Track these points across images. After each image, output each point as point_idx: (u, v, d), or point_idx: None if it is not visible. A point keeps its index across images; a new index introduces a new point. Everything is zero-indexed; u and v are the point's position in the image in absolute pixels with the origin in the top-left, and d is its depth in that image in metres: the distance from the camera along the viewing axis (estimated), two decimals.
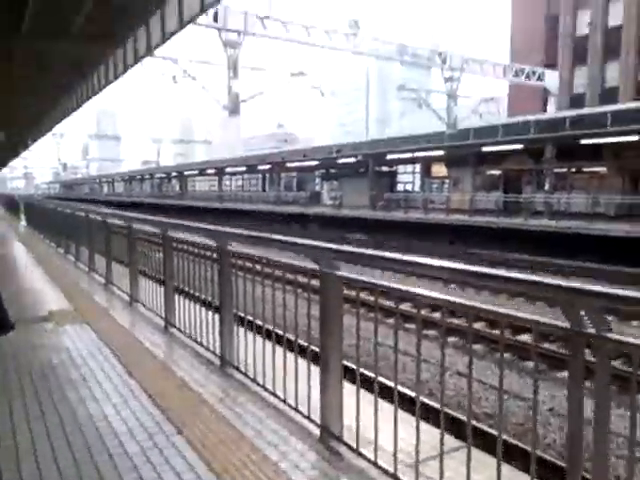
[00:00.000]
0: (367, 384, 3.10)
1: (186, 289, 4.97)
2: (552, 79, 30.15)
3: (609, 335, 1.79)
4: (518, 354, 8.42)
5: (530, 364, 7.91)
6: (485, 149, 25.26)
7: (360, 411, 2.73)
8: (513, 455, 4.71)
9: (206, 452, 2.88)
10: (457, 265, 2.45)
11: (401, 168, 37.19)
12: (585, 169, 25.28)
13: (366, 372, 4.56)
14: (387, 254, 2.70)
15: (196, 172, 57.74)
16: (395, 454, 2.53)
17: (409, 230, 24.29)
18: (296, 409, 3.27)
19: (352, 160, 33.70)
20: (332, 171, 39.96)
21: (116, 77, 12.84)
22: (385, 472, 2.60)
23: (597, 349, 1.82)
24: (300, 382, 3.19)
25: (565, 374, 6.58)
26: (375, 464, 2.65)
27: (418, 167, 34.11)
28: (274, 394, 3.51)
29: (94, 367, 4.36)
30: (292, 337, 3.41)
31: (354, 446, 2.80)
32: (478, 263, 17.56)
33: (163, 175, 66.95)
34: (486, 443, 3.84)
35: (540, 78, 29.29)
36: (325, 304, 2.99)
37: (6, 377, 4.21)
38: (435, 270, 2.45)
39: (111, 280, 7.83)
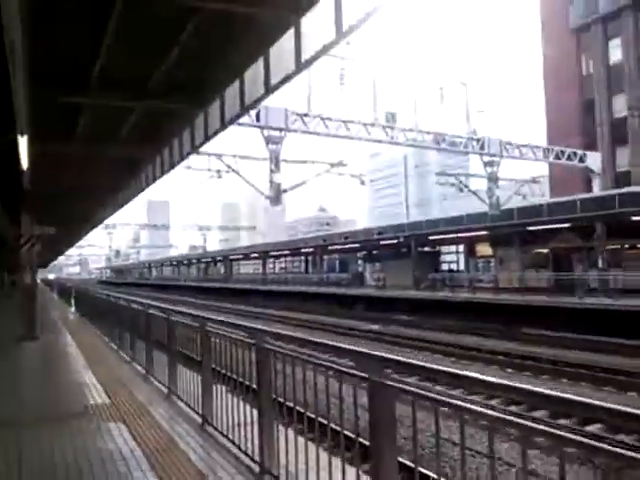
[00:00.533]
0: None
1: (226, 376, 4.62)
2: (593, 159, 29.85)
3: None
4: None
5: None
6: (531, 228, 24.66)
7: None
8: None
9: None
10: (517, 384, 2.05)
11: (444, 248, 36.70)
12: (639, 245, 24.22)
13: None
14: (442, 368, 2.32)
15: (240, 256, 58.72)
16: None
17: (456, 310, 23.43)
18: None
19: (395, 241, 33.50)
20: (374, 252, 39.80)
21: (163, 173, 13.29)
22: None
23: None
24: None
25: None
26: None
27: (461, 247, 33.54)
28: None
29: (124, 472, 3.98)
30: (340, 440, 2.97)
31: None
32: (534, 344, 16.53)
33: (209, 259, 68.31)
34: None
35: (582, 160, 29.04)
36: (375, 414, 2.58)
37: (29, 476, 3.95)
38: (497, 389, 2.05)
39: (151, 371, 7.58)
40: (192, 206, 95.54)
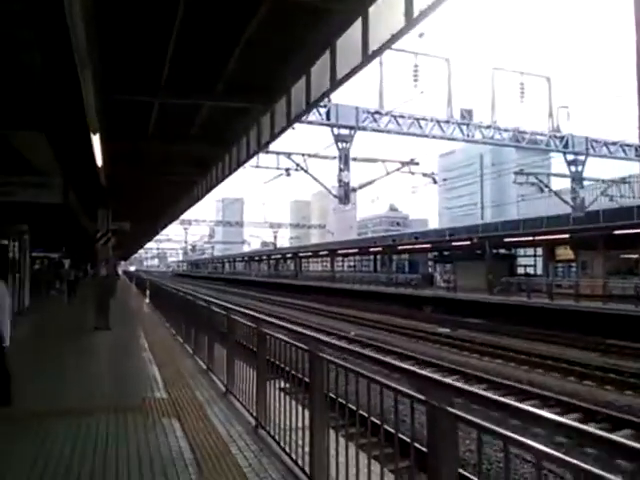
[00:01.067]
0: None
1: (279, 367, 4.47)
2: None
3: None
4: None
5: None
6: (619, 232, 22.96)
7: None
8: None
9: None
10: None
11: (521, 251, 35.08)
12: None
13: None
14: (512, 403, 1.98)
15: (309, 253, 59.12)
16: None
17: (532, 316, 22.23)
18: None
19: (468, 242, 32.38)
20: (445, 253, 38.71)
21: (231, 172, 13.44)
22: None
23: None
24: None
25: None
26: None
27: (540, 250, 31.89)
28: None
29: (171, 473, 3.88)
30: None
31: None
32: (617, 356, 15.34)
33: (279, 256, 69.26)
34: None
35: None
36: (435, 438, 2.27)
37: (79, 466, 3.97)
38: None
39: (211, 367, 7.58)
40: (264, 204, 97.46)
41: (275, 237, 72.80)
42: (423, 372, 2.43)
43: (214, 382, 7.04)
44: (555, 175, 31.65)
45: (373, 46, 6.05)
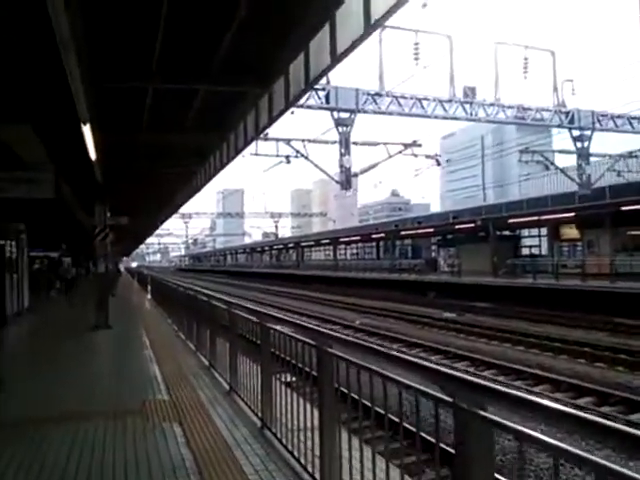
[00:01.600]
0: None
1: (285, 360, 4.26)
2: None
3: None
4: None
5: None
6: (626, 208, 22.57)
7: None
8: None
9: None
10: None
11: (525, 232, 34.73)
12: None
13: None
14: (552, 405, 1.69)
15: (311, 243, 58.86)
16: None
17: (537, 297, 21.96)
18: None
19: (471, 225, 32.04)
20: (449, 237, 38.39)
21: (229, 160, 13.14)
22: None
23: None
24: None
25: None
26: None
27: (544, 230, 31.53)
28: None
29: None
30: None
31: None
32: (627, 335, 15.07)
33: (280, 246, 69.03)
34: None
35: None
36: (467, 446, 1.98)
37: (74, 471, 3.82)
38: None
39: (213, 364, 7.35)
40: (264, 193, 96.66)
41: (276, 227, 72.56)
42: (450, 371, 2.13)
43: (217, 380, 6.77)
44: (560, 152, 31.14)
45: (376, 14, 5.70)
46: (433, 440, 2.41)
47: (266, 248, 75.21)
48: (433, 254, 42.17)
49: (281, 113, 9.30)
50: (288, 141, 30.50)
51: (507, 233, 33.64)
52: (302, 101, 22.70)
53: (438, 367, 2.22)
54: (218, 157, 14.25)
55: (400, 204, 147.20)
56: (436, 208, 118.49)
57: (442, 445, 2.43)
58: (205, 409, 5.46)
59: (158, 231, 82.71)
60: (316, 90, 23.26)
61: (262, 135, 30.59)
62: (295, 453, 3.86)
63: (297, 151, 31.48)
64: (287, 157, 32.03)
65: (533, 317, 19.26)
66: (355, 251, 56.21)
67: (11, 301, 14.32)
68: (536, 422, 3.95)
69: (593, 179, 24.53)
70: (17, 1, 5.34)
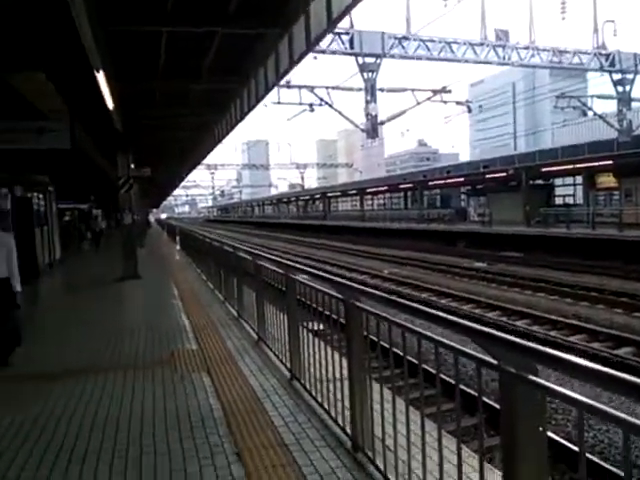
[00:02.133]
0: None
1: (311, 308, 4.13)
2: None
3: None
4: None
5: None
6: None
7: None
8: None
9: None
10: None
11: (558, 181, 33.63)
12: None
13: None
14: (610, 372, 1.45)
15: (338, 193, 58.43)
16: None
17: (572, 247, 21.38)
18: None
19: (503, 174, 31.14)
20: (479, 187, 37.50)
21: (250, 108, 12.76)
22: None
23: None
24: None
25: None
26: None
27: (579, 179, 30.45)
28: None
29: (199, 432, 3.57)
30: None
31: None
32: None
33: (307, 197, 68.79)
34: None
35: None
36: (513, 414, 1.77)
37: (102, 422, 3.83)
38: None
39: (241, 314, 7.31)
40: (290, 144, 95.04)
41: (302, 178, 72.06)
42: (494, 332, 1.89)
43: (245, 330, 6.72)
44: (600, 97, 29.58)
45: None
46: (473, 392, 2.21)
47: (293, 199, 75.00)
48: (462, 204, 41.46)
49: (302, 56, 8.86)
50: (312, 88, 29.67)
51: (540, 182, 32.63)
52: (325, 46, 21.84)
53: (481, 327, 1.98)
54: (239, 106, 13.86)
55: (428, 154, 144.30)
56: (465, 158, 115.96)
57: (485, 399, 2.23)
58: (234, 359, 5.40)
59: (184, 183, 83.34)
60: (339, 34, 22.37)
61: (284, 82, 29.80)
62: (325, 405, 3.75)
63: (321, 99, 30.60)
64: (311, 105, 31.19)
65: (567, 267, 18.80)
66: (382, 202, 55.65)
67: (42, 253, 14.52)
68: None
69: (635, 125, 23.25)
70: None
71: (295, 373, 4.52)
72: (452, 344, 2.15)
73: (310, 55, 8.91)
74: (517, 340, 1.78)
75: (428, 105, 30.96)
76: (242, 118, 13.99)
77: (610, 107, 29.41)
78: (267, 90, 11.11)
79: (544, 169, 28.91)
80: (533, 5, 23.51)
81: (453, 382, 2.33)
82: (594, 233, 22.03)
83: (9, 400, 4.46)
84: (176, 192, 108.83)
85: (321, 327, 4.10)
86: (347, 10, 6.91)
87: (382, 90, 32.57)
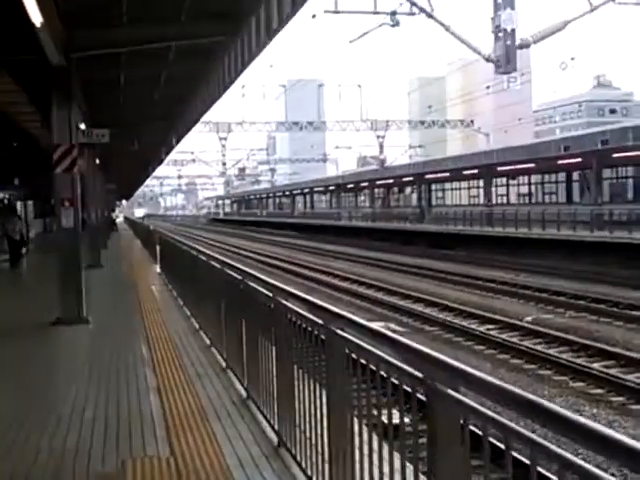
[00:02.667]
0: None
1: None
2: None
3: None
4: None
5: None
6: None
7: None
8: None
9: None
10: None
11: None
12: None
13: None
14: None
15: (445, 175, 58.77)
16: None
17: None
18: None
19: None
20: None
21: (283, 21, 13.78)
22: None
23: None
24: None
25: None
26: None
27: None
28: None
29: None
30: None
31: None
32: None
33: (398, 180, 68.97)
34: None
35: None
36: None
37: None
38: None
39: (230, 364, 8.64)
40: (360, 86, 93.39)
41: (381, 146, 72.70)
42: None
43: (234, 384, 7.88)
44: None
45: None
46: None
47: (363, 185, 75.52)
48: None
49: None
50: None
51: None
52: None
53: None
54: (262, 17, 14.84)
55: (613, 101, 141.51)
56: None
57: None
58: (214, 425, 6.49)
59: (175, 155, 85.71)
60: None
61: None
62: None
63: (412, 2, 30.59)
64: (393, 14, 31.31)
65: None
66: (525, 189, 55.39)
67: None
68: None
69: None
70: None
71: (282, 438, 5.74)
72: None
73: None
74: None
75: (611, 10, 30.93)
76: (268, 36, 14.97)
77: None
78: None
79: None
80: None
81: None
82: None
83: None
84: (162, 172, 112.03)
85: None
86: None
87: None
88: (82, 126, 15.84)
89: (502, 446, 2.66)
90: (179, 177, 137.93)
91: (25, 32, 10.90)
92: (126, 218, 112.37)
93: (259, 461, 5.82)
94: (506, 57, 31.51)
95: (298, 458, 5.33)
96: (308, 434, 5.07)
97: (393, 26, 32.38)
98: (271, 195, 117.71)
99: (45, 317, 13.74)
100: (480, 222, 47.61)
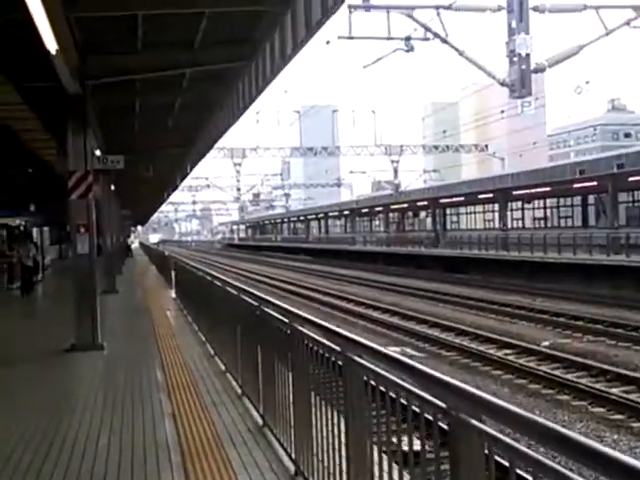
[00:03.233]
0: None
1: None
2: None
3: None
4: None
5: None
6: None
7: None
8: None
9: None
10: None
11: None
12: None
13: None
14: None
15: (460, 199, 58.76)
16: None
17: None
18: None
19: None
20: None
21: (297, 45, 13.91)
22: None
23: None
24: None
25: None
26: None
27: None
28: None
29: None
30: None
31: None
32: None
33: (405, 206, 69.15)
34: None
35: None
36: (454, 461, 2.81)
37: None
38: None
39: (246, 391, 8.63)
40: (374, 112, 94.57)
41: (395, 171, 72.94)
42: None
43: (249, 411, 7.92)
44: None
45: None
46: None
47: (378, 209, 75.68)
48: None
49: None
50: (409, 10, 29.85)
51: None
52: None
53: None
54: (277, 43, 15.03)
55: (627, 125, 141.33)
56: None
57: None
58: (229, 453, 6.43)
59: (190, 181, 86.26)
60: None
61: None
62: None
63: (426, 28, 30.71)
64: (407, 39, 31.45)
65: None
66: (540, 213, 55.27)
67: None
68: None
69: None
70: None
71: (300, 466, 5.66)
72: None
73: None
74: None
75: (625, 34, 30.96)
76: (283, 62, 15.19)
77: None
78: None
79: None
80: None
81: None
82: None
83: None
84: (177, 197, 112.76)
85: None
86: None
87: (538, 10, 32.25)
88: (97, 152, 15.93)
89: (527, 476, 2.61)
90: (194, 203, 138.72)
91: (40, 59, 10.99)
92: (141, 244, 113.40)
93: None
94: (521, 81, 31.53)
95: None
96: (326, 462, 5.03)
97: (407, 51, 32.48)
98: (285, 220, 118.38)
99: (59, 344, 13.80)
100: (495, 246, 47.62)
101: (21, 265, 26.90)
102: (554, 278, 35.19)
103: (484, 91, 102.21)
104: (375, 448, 4.34)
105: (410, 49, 32.13)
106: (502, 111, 75.45)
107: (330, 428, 5.02)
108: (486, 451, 2.82)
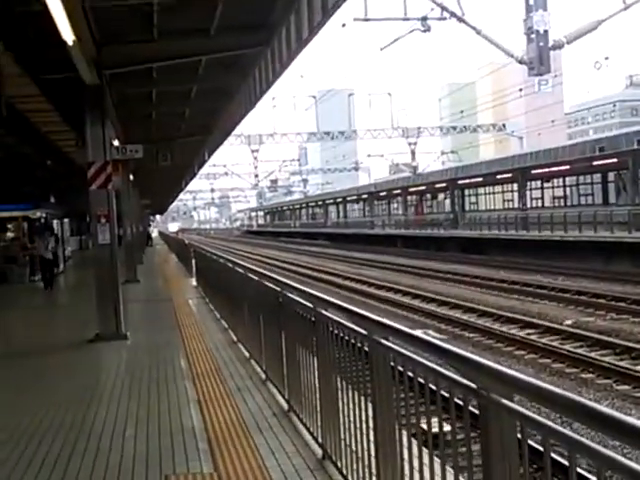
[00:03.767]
0: None
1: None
2: None
3: None
4: None
5: None
6: None
7: None
8: None
9: None
10: None
11: None
12: None
13: None
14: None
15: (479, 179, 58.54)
16: None
17: None
18: None
19: None
20: None
21: (313, 30, 13.86)
22: None
23: None
24: None
25: None
26: None
27: None
28: None
29: None
30: None
31: None
32: None
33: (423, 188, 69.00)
34: None
35: None
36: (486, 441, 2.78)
37: None
38: None
39: (270, 376, 8.67)
40: (390, 94, 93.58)
41: (413, 153, 72.71)
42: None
43: (274, 396, 8.09)
44: None
45: None
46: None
47: (397, 192, 75.54)
48: None
49: None
50: None
51: None
52: None
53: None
54: (292, 28, 15.03)
55: None
56: None
57: None
58: (255, 438, 6.51)
59: (208, 169, 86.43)
60: None
61: None
62: None
63: (443, 7, 30.49)
64: (424, 19, 31.24)
65: None
66: (560, 192, 54.95)
67: None
68: None
69: None
70: None
71: (327, 450, 5.69)
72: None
73: None
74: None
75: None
76: (299, 46, 15.21)
77: None
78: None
79: None
80: None
81: None
82: None
83: None
84: (195, 186, 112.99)
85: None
86: None
87: None
88: (116, 142, 15.95)
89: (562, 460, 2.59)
90: (212, 190, 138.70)
91: (57, 51, 11.04)
92: (161, 233, 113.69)
93: (304, 474, 5.81)
94: (539, 59, 31.25)
95: (344, 471, 5.27)
96: (354, 447, 5.03)
97: (424, 32, 32.34)
98: (304, 205, 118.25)
99: (83, 335, 13.90)
100: (515, 226, 47.41)
101: (40, 258, 26.52)
102: (575, 256, 35.04)
103: (501, 70, 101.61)
104: (404, 432, 4.35)
105: (427, 29, 32.02)
106: (520, 89, 74.97)
107: (357, 412, 5.02)
108: (519, 431, 2.81)
